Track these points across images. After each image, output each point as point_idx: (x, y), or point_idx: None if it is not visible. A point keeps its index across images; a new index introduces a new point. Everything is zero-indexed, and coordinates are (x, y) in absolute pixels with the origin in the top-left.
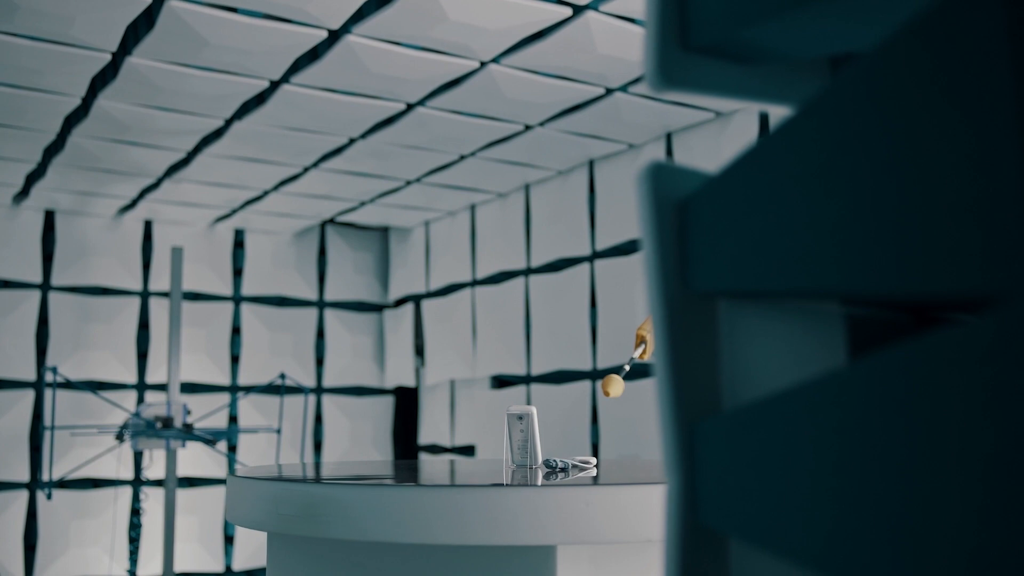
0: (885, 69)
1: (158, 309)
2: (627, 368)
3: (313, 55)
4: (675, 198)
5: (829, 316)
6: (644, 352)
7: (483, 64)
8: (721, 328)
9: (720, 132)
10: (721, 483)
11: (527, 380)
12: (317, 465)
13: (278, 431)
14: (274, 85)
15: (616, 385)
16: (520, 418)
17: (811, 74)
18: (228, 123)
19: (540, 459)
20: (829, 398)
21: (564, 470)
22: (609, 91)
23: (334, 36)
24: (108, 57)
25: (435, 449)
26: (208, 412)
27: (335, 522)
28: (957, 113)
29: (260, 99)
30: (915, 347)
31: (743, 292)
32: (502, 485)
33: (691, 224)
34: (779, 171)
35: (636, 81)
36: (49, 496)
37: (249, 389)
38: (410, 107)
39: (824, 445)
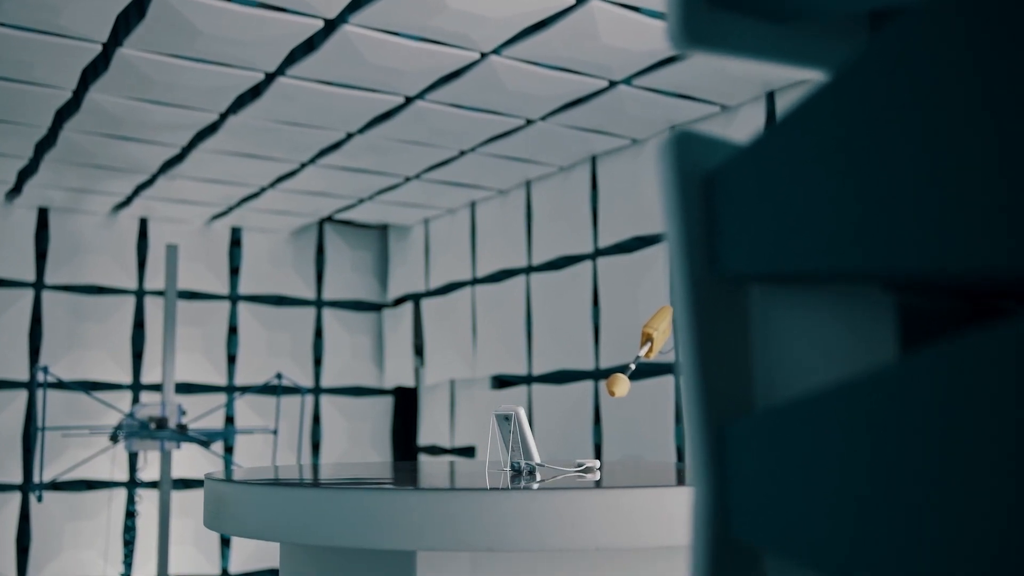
0: (932, 26)
1: (153, 308)
2: (632, 367)
3: (309, 46)
4: (702, 170)
5: (877, 304)
6: (650, 351)
7: (484, 55)
8: (753, 317)
9: (726, 126)
10: (756, 492)
11: (528, 380)
12: (312, 467)
13: (274, 432)
14: (269, 77)
15: (621, 384)
16: (507, 419)
17: (848, 34)
18: (223, 117)
19: (537, 459)
20: (883, 397)
21: (532, 473)
22: (613, 84)
23: (330, 26)
24: (99, 48)
25: (435, 450)
26: (204, 413)
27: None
28: (1014, 72)
29: (255, 92)
30: (980, 340)
31: (779, 276)
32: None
33: (720, 199)
34: (820, 139)
35: (640, 73)
36: (39, 498)
37: (245, 389)
38: (409, 100)
39: (879, 450)
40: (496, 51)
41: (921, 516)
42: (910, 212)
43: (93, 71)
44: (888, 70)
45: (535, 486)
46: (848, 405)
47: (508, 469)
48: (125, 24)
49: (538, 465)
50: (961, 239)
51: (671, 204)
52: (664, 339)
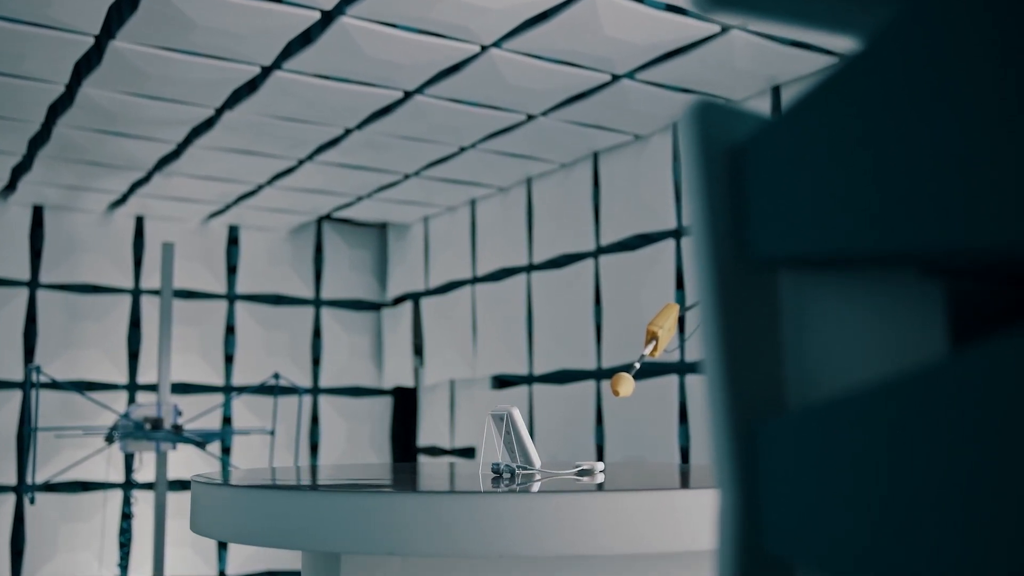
0: None
1: (150, 307)
2: (637, 366)
3: (306, 38)
4: (728, 143)
5: (921, 292)
6: (655, 349)
7: (484, 48)
8: (785, 306)
9: None
10: (792, 500)
11: (529, 380)
12: (296, 469)
13: (271, 433)
14: (265, 71)
15: (626, 384)
16: (502, 419)
17: None
18: (219, 112)
19: (535, 461)
20: (935, 397)
21: (512, 475)
22: (615, 78)
23: (327, 17)
24: (91, 41)
25: (434, 451)
26: (200, 413)
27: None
28: None
29: (251, 86)
30: None
31: (813, 259)
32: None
33: (749, 175)
34: (859, 108)
35: (644, 67)
36: (32, 500)
37: (242, 390)
38: (408, 95)
39: (931, 457)
40: (496, 44)
41: (983, 530)
42: (961, 185)
43: (86, 64)
44: (930, 31)
45: (504, 489)
46: (896, 405)
47: (490, 472)
48: (118, 16)
49: (520, 467)
50: (1015, 213)
51: (694, 180)
52: (669, 337)
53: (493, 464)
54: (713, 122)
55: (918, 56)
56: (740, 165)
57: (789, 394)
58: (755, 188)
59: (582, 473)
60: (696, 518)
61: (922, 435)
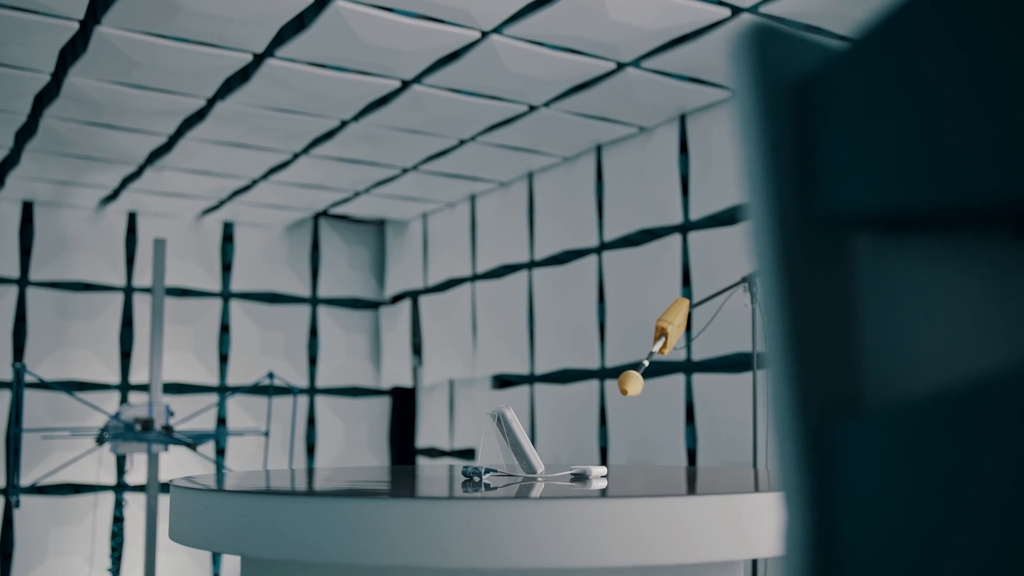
0: None
1: (142, 306)
2: (646, 364)
3: (299, 24)
4: (793, 76)
5: None
6: (664, 346)
7: (484, 34)
8: (863, 276)
9: None
10: (876, 520)
11: (530, 380)
12: (297, 472)
13: (266, 434)
14: (258, 59)
15: (635, 383)
16: (498, 419)
17: None
18: (210, 103)
19: (534, 461)
20: None
21: (479, 479)
22: (620, 66)
23: (321, 1)
24: (76, 26)
25: (434, 452)
26: (194, 413)
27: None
28: None
29: (244, 75)
30: None
31: (899, 217)
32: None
33: (817, 114)
34: (959, 29)
35: (650, 55)
36: (17, 504)
37: (235, 390)
38: (405, 84)
39: None
40: (497, 29)
41: None
42: None
43: (72, 51)
44: None
45: (476, 495)
46: (1015, 403)
47: (461, 475)
48: None
49: (489, 470)
50: None
51: (751, 121)
52: (679, 334)
53: (464, 467)
54: (775, 50)
55: None
56: (807, 102)
57: (871, 387)
58: (825, 130)
59: (576, 478)
60: (705, 527)
61: None
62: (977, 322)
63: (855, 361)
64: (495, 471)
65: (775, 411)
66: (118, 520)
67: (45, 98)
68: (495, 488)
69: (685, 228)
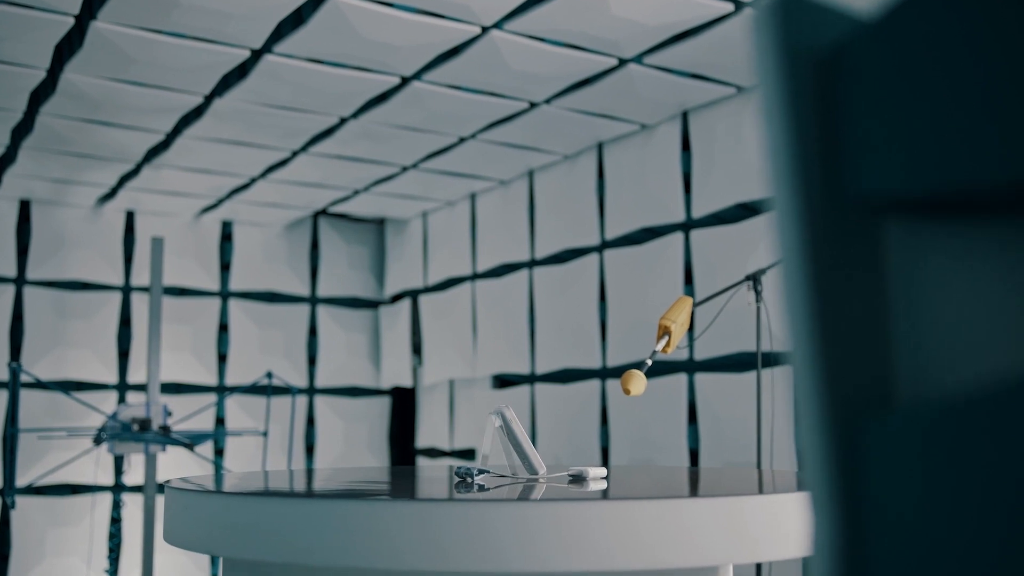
0: None
1: (140, 305)
2: (649, 363)
3: (297, 19)
4: (819, 49)
5: None
6: (668, 345)
7: (484, 30)
8: (894, 264)
9: (742, 110)
10: (908, 525)
11: (531, 379)
12: (296, 472)
13: (264, 434)
14: (256, 55)
15: (638, 382)
16: (498, 419)
17: None
18: (208, 100)
19: (535, 462)
20: None
21: (472, 479)
22: (622, 62)
23: None
24: (71, 21)
25: (434, 453)
26: (192, 413)
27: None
28: None
29: (241, 71)
30: None
31: (932, 199)
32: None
33: (844, 89)
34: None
35: (652, 51)
36: (12, 504)
37: (234, 389)
38: (405, 81)
39: None
40: (497, 25)
41: None
42: None
43: (68, 47)
44: None
45: (472, 497)
46: None
47: (455, 476)
48: None
49: (482, 471)
50: None
51: (773, 97)
52: (683, 332)
53: (457, 468)
54: (799, 20)
55: None
56: (834, 76)
57: (902, 383)
58: (854, 106)
59: (574, 479)
60: (708, 529)
61: None
62: (1014, 315)
63: (885, 355)
64: (488, 472)
65: (802, 410)
66: (116, 521)
67: (41, 95)
68: (488, 489)
69: (687, 226)
